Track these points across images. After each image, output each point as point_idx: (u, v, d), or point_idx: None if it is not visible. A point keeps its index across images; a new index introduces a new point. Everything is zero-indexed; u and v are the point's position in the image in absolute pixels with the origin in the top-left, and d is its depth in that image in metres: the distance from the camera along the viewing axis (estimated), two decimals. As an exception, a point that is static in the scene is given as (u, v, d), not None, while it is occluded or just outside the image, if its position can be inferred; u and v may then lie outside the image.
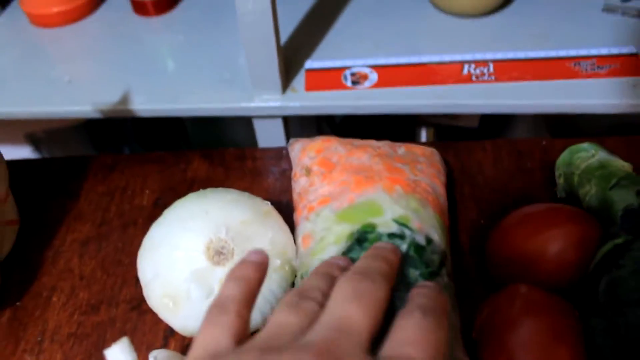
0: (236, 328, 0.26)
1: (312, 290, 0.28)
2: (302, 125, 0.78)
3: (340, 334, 0.24)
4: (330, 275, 0.31)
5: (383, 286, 0.28)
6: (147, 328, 0.43)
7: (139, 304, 0.44)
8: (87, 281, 0.46)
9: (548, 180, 0.49)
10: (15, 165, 0.51)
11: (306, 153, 0.44)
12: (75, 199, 0.52)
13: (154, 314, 0.42)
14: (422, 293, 0.29)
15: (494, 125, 0.88)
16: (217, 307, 0.27)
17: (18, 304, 0.45)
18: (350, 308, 0.26)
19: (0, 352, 0.42)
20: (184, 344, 0.42)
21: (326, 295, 0.28)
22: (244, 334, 0.27)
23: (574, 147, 0.47)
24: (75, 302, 0.45)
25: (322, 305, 0.27)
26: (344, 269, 0.32)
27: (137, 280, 0.45)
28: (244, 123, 0.76)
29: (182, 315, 0.37)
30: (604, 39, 0.66)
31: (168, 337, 0.42)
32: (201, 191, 0.41)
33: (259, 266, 0.30)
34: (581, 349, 0.35)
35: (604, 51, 0.65)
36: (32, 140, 0.89)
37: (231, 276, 0.29)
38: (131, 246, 0.48)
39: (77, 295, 0.45)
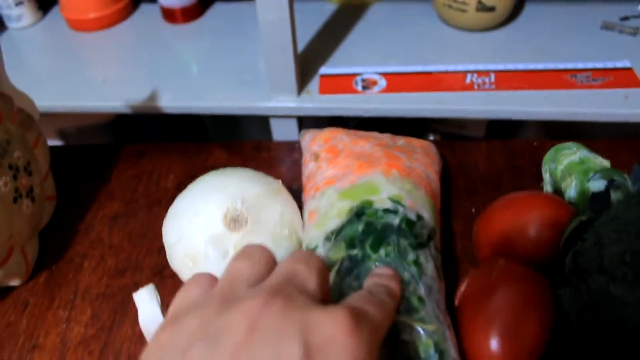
0: (210, 283, 0.30)
1: (266, 252, 0.31)
2: (315, 127, 0.83)
3: (289, 281, 0.28)
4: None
5: (320, 260, 0.31)
6: (167, 292, 0.48)
7: (160, 270, 0.49)
8: (115, 250, 0.52)
9: (536, 177, 0.54)
10: (55, 150, 0.57)
11: (315, 142, 0.49)
12: (106, 180, 0.58)
13: (174, 280, 0.47)
14: (375, 281, 0.35)
15: (500, 135, 0.92)
16: (198, 274, 0.31)
17: (54, 267, 0.51)
18: (297, 265, 0.29)
19: (38, 307, 0.48)
20: (200, 306, 0.47)
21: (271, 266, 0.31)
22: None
23: (559, 146, 0.51)
24: (104, 267, 0.50)
25: (270, 266, 0.30)
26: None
27: (159, 251, 0.50)
28: (259, 125, 0.81)
29: (200, 274, 0.42)
30: (600, 54, 0.71)
31: (186, 300, 0.47)
32: (221, 169, 0.46)
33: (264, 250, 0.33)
34: (550, 313, 0.39)
35: (599, 65, 0.70)
36: (63, 135, 0.96)
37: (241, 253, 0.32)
38: (155, 222, 0.53)
39: (105, 262, 0.51)
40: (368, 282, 0.34)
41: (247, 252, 0.31)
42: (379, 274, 0.36)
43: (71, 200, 0.56)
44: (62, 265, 0.51)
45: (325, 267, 0.31)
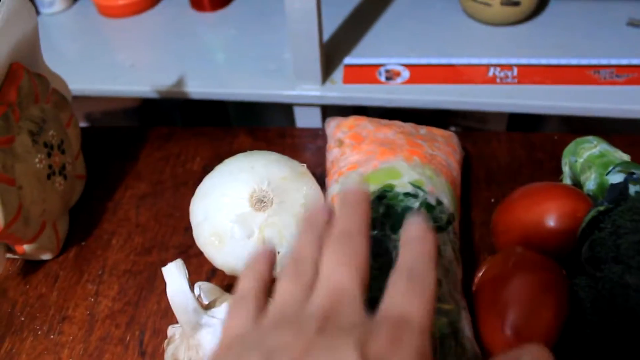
0: (255, 311, 0.31)
1: (305, 261, 0.32)
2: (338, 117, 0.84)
3: (336, 298, 0.28)
4: (317, 236, 0.33)
5: (362, 242, 0.31)
6: (192, 269, 0.49)
7: (186, 249, 0.51)
8: (142, 229, 0.53)
9: (555, 170, 0.54)
10: (86, 131, 0.59)
11: (340, 129, 0.51)
12: (134, 161, 0.60)
13: (199, 259, 0.49)
14: (409, 248, 0.32)
15: (520, 130, 0.93)
16: (238, 298, 0.32)
17: (83, 243, 0.53)
18: (340, 274, 0.29)
19: (68, 280, 0.50)
20: (224, 284, 0.48)
21: (317, 261, 0.31)
22: (263, 314, 0.31)
23: (579, 139, 0.52)
24: (131, 245, 0.52)
25: (315, 271, 0.31)
26: (327, 223, 0.34)
27: (185, 230, 0.52)
28: (282, 114, 0.82)
29: (225, 252, 0.43)
30: (625, 51, 0.71)
31: (210, 278, 0.49)
32: (248, 152, 0.48)
33: (268, 260, 0.34)
34: (565, 301, 0.40)
35: (624, 61, 0.70)
36: (90, 119, 0.98)
37: (246, 271, 0.33)
38: (182, 203, 0.55)
39: (133, 240, 0.53)
40: (404, 252, 0.32)
41: (295, 270, 0.31)
42: (413, 235, 0.33)
43: (100, 179, 0.58)
44: (91, 241, 0.53)
45: (365, 253, 0.31)
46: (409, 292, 0.28)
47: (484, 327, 0.40)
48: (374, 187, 0.43)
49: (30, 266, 0.51)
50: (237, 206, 0.43)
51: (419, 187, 0.43)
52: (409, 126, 0.51)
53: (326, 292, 0.29)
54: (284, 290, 0.31)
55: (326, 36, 0.76)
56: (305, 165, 0.48)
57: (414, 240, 0.32)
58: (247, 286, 0.33)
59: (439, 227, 0.41)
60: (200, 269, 0.50)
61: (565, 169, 0.52)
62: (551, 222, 0.43)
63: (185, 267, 0.38)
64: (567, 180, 0.52)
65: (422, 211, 0.41)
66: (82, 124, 0.98)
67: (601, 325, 0.39)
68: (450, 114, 0.93)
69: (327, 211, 0.35)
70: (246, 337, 0.29)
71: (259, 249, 0.35)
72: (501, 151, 0.57)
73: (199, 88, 0.72)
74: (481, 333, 0.40)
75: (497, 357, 0.27)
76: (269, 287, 0.33)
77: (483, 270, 0.43)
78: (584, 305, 0.39)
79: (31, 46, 0.50)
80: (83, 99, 0.77)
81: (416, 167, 0.44)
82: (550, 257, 0.42)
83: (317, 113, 0.72)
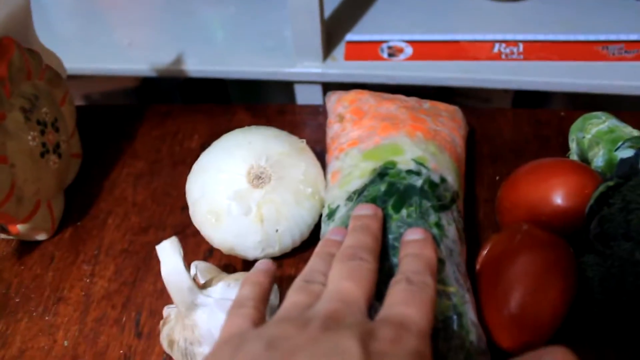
0: (254, 317, 0.31)
1: (314, 274, 0.33)
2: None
3: (341, 303, 0.29)
4: (328, 254, 0.35)
5: (370, 259, 0.33)
6: (189, 249, 0.48)
7: (183, 229, 0.50)
8: (138, 208, 0.52)
9: (562, 147, 0.53)
10: (81, 110, 0.57)
11: (340, 103, 0.49)
12: (131, 140, 0.59)
13: (196, 238, 0.48)
14: (409, 255, 0.34)
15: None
16: (237, 304, 0.33)
17: (79, 223, 0.52)
18: (346, 283, 0.31)
19: (63, 261, 0.49)
20: (221, 263, 0.47)
21: (326, 275, 0.33)
22: (261, 322, 0.32)
23: (587, 115, 0.50)
24: (128, 224, 0.51)
25: (324, 284, 0.32)
26: (339, 244, 0.36)
27: (182, 209, 0.51)
28: (283, 93, 0.81)
29: (222, 229, 0.42)
30: (634, 26, 0.69)
31: (207, 257, 0.48)
32: (246, 127, 0.46)
33: (268, 272, 0.36)
34: (572, 280, 0.39)
35: (633, 37, 0.68)
36: (88, 99, 0.96)
37: (246, 281, 0.35)
38: (179, 181, 0.54)
39: (129, 219, 0.51)
40: (404, 261, 0.34)
41: (304, 283, 0.33)
42: (412, 241, 0.36)
43: (96, 158, 0.57)
44: (86, 221, 0.52)
45: (372, 269, 0.33)
46: (408, 298, 0.30)
47: (488, 307, 0.39)
48: (375, 164, 0.42)
49: (25, 247, 0.50)
50: (234, 182, 0.42)
51: (422, 164, 0.41)
52: (412, 100, 0.49)
53: (331, 297, 0.30)
54: (290, 299, 0.32)
55: (328, 12, 0.75)
56: (304, 140, 0.47)
57: (414, 245, 0.35)
58: (245, 294, 0.34)
59: (442, 206, 0.40)
60: (198, 248, 0.48)
61: (573, 145, 0.51)
62: (558, 198, 0.42)
63: (180, 245, 0.37)
64: (574, 157, 0.51)
65: (426, 190, 0.40)
66: (80, 104, 0.97)
67: (610, 305, 0.38)
68: (455, 93, 0.92)
69: (342, 232, 0.37)
70: (246, 333, 0.29)
71: (259, 262, 0.37)
72: (507, 127, 0.56)
73: (197, 66, 0.71)
74: (484, 314, 0.39)
75: (521, 357, 0.27)
76: (267, 295, 0.35)
77: (487, 249, 0.42)
78: (591, 284, 0.38)
79: (22, 21, 0.49)
80: (81, 80, 0.76)
81: (419, 143, 0.43)
82: (558, 234, 0.41)
83: (318, 91, 0.71)
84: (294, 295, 0.32)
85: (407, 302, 0.30)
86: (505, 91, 0.86)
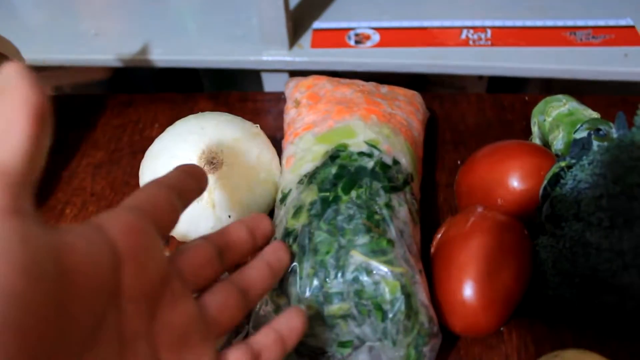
0: None
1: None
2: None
3: None
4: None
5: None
6: (147, 238, 0.48)
7: (141, 217, 0.49)
8: (97, 198, 0.51)
9: (525, 131, 0.53)
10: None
11: (298, 89, 0.48)
12: (92, 130, 0.58)
13: (154, 226, 0.47)
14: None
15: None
16: None
17: (36, 213, 0.51)
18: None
19: (18, 251, 0.48)
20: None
21: None
22: None
23: (549, 98, 0.50)
24: (85, 214, 0.50)
25: None
26: None
27: (141, 198, 0.50)
28: (254, 81, 0.80)
29: (173, 216, 0.41)
30: (602, 12, 0.69)
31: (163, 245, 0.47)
32: (200, 113, 0.46)
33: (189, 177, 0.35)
34: (527, 262, 0.39)
35: (601, 22, 0.68)
36: (58, 92, 0.95)
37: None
38: (138, 170, 0.53)
39: (87, 209, 0.51)
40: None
41: None
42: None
43: (56, 148, 0.56)
44: (43, 212, 0.51)
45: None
46: None
47: (442, 289, 0.39)
48: (327, 147, 0.41)
49: (-19, 237, 0.49)
50: (186, 168, 0.41)
51: (374, 146, 0.41)
52: (370, 85, 0.48)
53: None
54: None
55: (294, 0, 0.74)
56: (258, 126, 0.46)
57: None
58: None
59: (394, 187, 0.39)
60: (155, 237, 0.48)
61: (535, 129, 0.50)
62: (514, 181, 0.42)
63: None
64: (536, 141, 0.50)
65: (377, 171, 0.39)
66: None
67: (563, 286, 0.38)
68: (429, 81, 0.91)
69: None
70: None
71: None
72: (470, 112, 0.55)
73: (165, 55, 0.70)
74: (440, 296, 0.39)
75: None
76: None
77: (442, 231, 0.41)
78: (546, 266, 0.38)
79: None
80: (51, 71, 0.75)
81: (373, 125, 0.42)
82: (514, 217, 0.40)
83: (285, 79, 0.70)
84: None
85: None
86: (480, 78, 0.86)
